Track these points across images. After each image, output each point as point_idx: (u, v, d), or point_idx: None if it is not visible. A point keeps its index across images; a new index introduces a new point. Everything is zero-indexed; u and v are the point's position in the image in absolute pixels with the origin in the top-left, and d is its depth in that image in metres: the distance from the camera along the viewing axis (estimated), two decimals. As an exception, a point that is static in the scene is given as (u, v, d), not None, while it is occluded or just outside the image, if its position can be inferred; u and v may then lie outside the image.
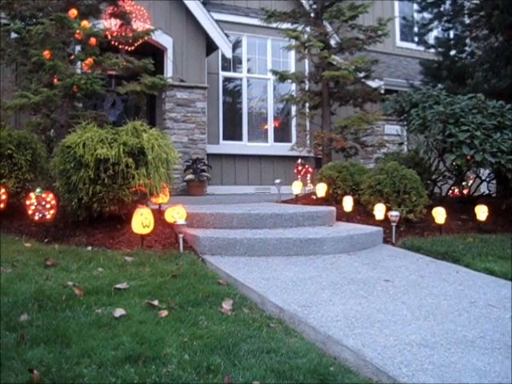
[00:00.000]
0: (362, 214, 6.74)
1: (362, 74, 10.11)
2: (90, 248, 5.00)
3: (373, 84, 10.95)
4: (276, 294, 3.86)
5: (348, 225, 6.28)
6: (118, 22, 8.20)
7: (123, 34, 8.07)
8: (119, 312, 3.28)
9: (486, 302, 3.93)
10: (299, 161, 10.04)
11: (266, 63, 12.49)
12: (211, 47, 10.97)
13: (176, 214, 5.34)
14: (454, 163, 7.25)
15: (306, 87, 10.69)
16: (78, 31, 6.91)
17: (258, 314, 3.52)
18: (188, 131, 10.72)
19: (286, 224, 5.80)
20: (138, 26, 8.74)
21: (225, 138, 11.99)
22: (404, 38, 14.55)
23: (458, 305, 3.85)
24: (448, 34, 11.75)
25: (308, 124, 11.36)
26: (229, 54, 11.18)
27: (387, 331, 3.21)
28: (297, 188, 7.89)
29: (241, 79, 12.43)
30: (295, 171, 9.72)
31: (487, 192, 8.52)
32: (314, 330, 3.22)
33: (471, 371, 2.69)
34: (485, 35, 10.34)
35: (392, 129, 10.92)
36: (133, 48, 8.39)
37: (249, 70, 12.56)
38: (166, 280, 4.02)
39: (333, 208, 6.48)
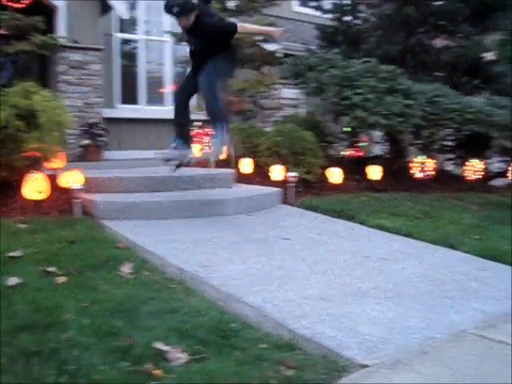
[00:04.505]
0: (262, 175, 6.82)
1: (259, 37, 10.12)
2: (-21, 217, 4.77)
3: (270, 47, 10.98)
4: (176, 255, 3.87)
5: (247, 186, 6.35)
6: (4, -24, 7.73)
7: (10, -11, 7.63)
8: (14, 280, 3.15)
9: (379, 256, 4.12)
10: (199, 124, 9.96)
11: (165, 25, 12.19)
12: (107, 7, 10.56)
13: (72, 179, 5.19)
14: (348, 125, 7.47)
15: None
16: (-43, -16, 6.46)
17: (159, 276, 3.50)
18: (83, 95, 10.31)
19: (185, 186, 5.78)
20: (27, -19, 8.27)
21: (122, 102, 11.67)
22: (302, 3, 14.65)
23: (353, 259, 4.01)
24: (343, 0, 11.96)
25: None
26: (125, 15, 10.83)
27: (287, 287, 3.30)
28: (196, 151, 7.84)
29: (138, 41, 12.08)
30: (193, 134, 9.64)
31: (380, 153, 8.85)
32: (216, 289, 3.26)
33: (366, 319, 2.83)
34: (378, 2, 10.63)
35: (290, 92, 11.03)
36: (23, 6, 7.92)
37: (146, 32, 12.21)
38: (63, 246, 3.91)
39: (232, 170, 6.52)
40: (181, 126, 5.48)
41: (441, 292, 3.35)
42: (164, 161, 5.43)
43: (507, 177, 8.65)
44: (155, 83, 12.40)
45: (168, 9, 5.01)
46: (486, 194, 7.38)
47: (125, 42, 12.01)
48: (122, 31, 11.81)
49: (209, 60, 5.10)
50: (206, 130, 9.61)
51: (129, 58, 12.19)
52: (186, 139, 5.44)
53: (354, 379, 2.20)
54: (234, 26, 5.10)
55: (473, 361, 2.34)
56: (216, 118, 5.08)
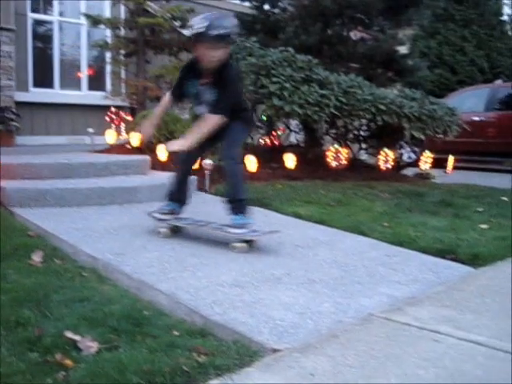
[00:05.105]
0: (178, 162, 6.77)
1: (178, 23, 10.04)
2: None
3: (189, 34, 10.90)
4: (89, 243, 3.80)
5: (163, 173, 6.29)
6: None
7: None
8: None
9: (293, 243, 4.19)
10: (113, 110, 9.80)
11: (80, 7, 11.84)
12: (18, -14, 10.17)
13: (-21, 165, 4.99)
14: (264, 113, 7.54)
15: (122, 34, 10.39)
16: None
17: (71, 264, 3.44)
18: (-7, 77, 9.92)
19: (99, 173, 5.69)
20: None
21: (35, 86, 11.28)
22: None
23: (267, 246, 4.05)
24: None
25: (123, 72, 11.08)
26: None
27: (200, 274, 3.32)
28: (111, 137, 7.73)
29: (52, 23, 11.66)
30: (109, 120, 9.49)
31: (296, 142, 8.98)
32: (128, 277, 3.23)
33: (278, 305, 2.88)
34: (297, -8, 10.76)
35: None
36: None
37: (61, 14, 11.81)
38: (-31, 235, 3.78)
39: (147, 157, 6.46)
40: (181, 192, 4.37)
41: (351, 277, 3.45)
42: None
43: (417, 166, 8.99)
44: (70, 67, 12.05)
45: (215, 27, 3.74)
46: (397, 183, 7.62)
47: (38, 22, 11.57)
48: (35, 11, 11.37)
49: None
50: (121, 114, 9.48)
51: (43, 39, 11.77)
52: (183, 201, 4.38)
53: (265, 363, 2.23)
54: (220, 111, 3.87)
55: (379, 343, 2.43)
56: (237, 207, 4.02)
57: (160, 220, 4.26)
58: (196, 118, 4.28)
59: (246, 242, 3.93)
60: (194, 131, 3.95)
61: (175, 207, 4.31)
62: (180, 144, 3.96)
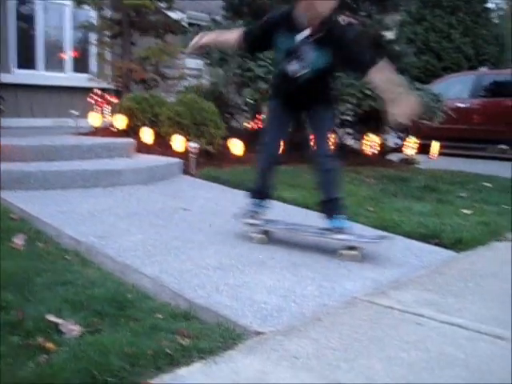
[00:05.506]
0: (163, 145, 6.74)
1: (163, 5, 9.94)
2: None
3: (175, 16, 10.81)
4: (73, 226, 3.78)
5: (148, 156, 6.29)
6: None
7: None
8: None
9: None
10: (98, 92, 9.69)
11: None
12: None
13: (-39, 146, 4.93)
14: (250, 97, 7.50)
15: (107, 15, 10.26)
16: None
17: (54, 247, 3.42)
18: (-25, 58, 9.78)
19: (83, 156, 5.66)
20: None
21: (19, 67, 11.12)
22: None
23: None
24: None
25: (108, 54, 10.95)
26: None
27: (184, 257, 3.31)
28: (96, 120, 7.67)
29: (36, 3, 11.47)
30: (94, 103, 9.39)
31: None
32: (113, 260, 3.22)
33: (262, 288, 2.88)
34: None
35: (193, 62, 10.93)
36: None
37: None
38: (-50, 217, 3.73)
39: (132, 140, 6.43)
40: (266, 187, 4.01)
41: (335, 261, 3.45)
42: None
43: (402, 152, 8.99)
44: (54, 48, 11.90)
45: None
46: (383, 168, 7.63)
47: (22, 2, 11.38)
48: (18, -9, 11.18)
49: (313, 107, 3.80)
50: (106, 97, 9.38)
51: (27, 20, 11.58)
52: (268, 195, 4.04)
53: (249, 346, 2.24)
54: (373, 59, 3.44)
55: (363, 326, 2.44)
56: (335, 208, 3.68)
57: (252, 225, 3.86)
58: (279, 79, 3.77)
59: (352, 248, 3.52)
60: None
61: (260, 206, 3.93)
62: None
